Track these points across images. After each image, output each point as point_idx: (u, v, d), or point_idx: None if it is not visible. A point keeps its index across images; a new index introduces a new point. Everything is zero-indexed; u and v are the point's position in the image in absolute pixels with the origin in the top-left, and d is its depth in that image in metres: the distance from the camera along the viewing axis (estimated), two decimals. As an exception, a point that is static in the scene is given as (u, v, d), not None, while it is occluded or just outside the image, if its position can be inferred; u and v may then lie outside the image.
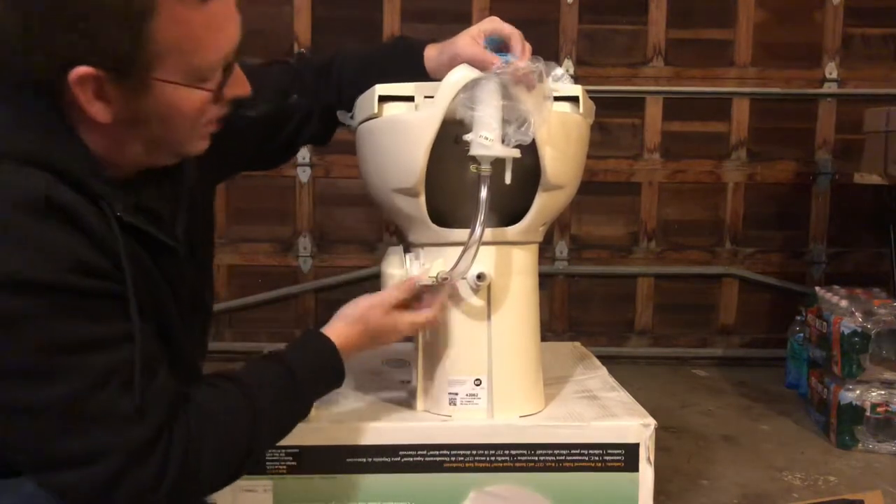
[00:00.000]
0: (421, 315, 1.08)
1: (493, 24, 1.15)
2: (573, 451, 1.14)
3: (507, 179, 1.04)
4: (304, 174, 2.59)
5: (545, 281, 2.59)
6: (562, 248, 2.65)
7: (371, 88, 1.12)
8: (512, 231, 1.16)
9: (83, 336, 0.73)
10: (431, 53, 1.14)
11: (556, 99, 1.11)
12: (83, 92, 0.74)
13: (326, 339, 1.00)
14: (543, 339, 1.26)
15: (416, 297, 1.09)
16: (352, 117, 1.19)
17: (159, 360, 0.81)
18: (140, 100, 0.77)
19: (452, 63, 1.08)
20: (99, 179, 0.77)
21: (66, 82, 0.73)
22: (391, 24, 2.55)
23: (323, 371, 0.99)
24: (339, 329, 1.02)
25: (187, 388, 0.85)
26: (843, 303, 1.95)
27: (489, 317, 1.16)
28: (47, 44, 0.72)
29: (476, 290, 1.14)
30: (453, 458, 1.13)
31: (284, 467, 1.12)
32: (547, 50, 2.56)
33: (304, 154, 2.58)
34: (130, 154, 0.82)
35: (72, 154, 0.76)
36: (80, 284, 0.72)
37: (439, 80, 1.08)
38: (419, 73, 1.14)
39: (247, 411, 0.87)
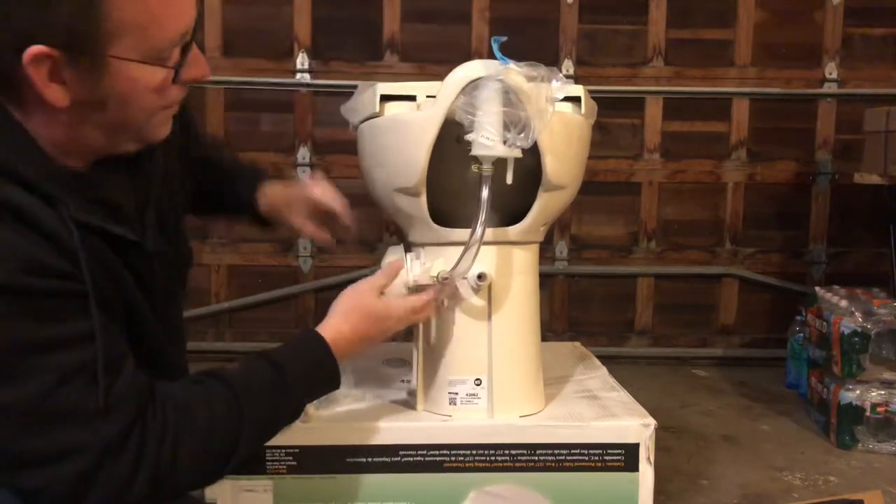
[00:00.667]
0: (414, 299, 1.07)
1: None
2: (573, 451, 1.14)
3: (509, 179, 1.04)
4: (304, 174, 2.59)
5: (545, 281, 2.59)
6: (562, 248, 2.65)
7: (373, 87, 1.12)
8: (513, 231, 1.16)
9: (44, 336, 0.72)
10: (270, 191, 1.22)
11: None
12: (38, 73, 0.73)
13: (320, 339, 0.98)
14: (543, 339, 1.26)
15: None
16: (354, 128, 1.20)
17: (125, 358, 0.80)
18: (97, 80, 0.76)
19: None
20: (51, 180, 0.76)
21: (19, 66, 0.72)
22: (391, 24, 2.55)
23: (315, 372, 0.98)
24: (332, 325, 1.01)
25: (167, 382, 0.84)
26: (843, 303, 1.95)
27: (490, 317, 1.15)
28: (1, 23, 0.71)
29: (477, 290, 1.14)
30: (453, 458, 1.13)
31: (284, 467, 1.12)
32: (547, 50, 2.56)
33: (304, 154, 2.58)
34: (90, 140, 0.81)
35: (21, 155, 0.75)
36: (37, 285, 0.72)
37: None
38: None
39: (232, 409, 0.86)
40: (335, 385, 1.00)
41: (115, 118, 0.80)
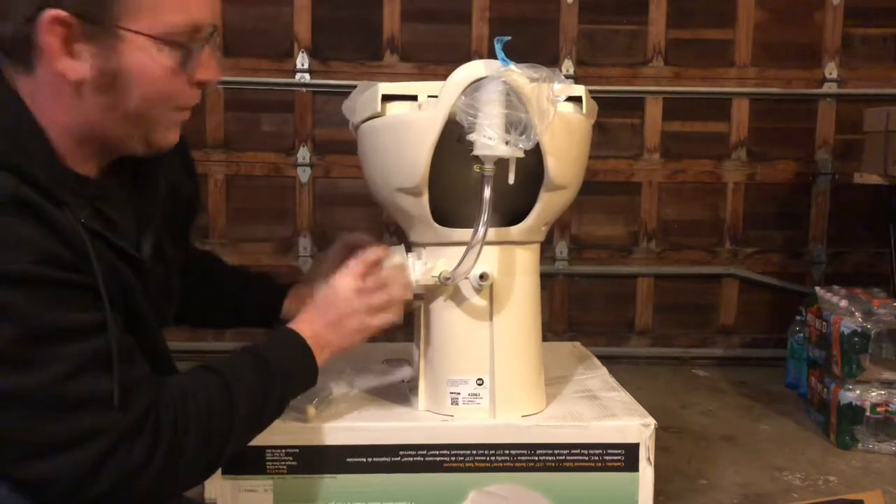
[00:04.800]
0: (375, 297, 1.06)
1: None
2: (573, 451, 1.14)
3: (511, 179, 1.04)
4: (304, 174, 2.59)
5: (545, 281, 2.59)
6: (562, 248, 2.65)
7: (374, 87, 1.12)
8: (515, 231, 1.16)
9: (58, 324, 0.74)
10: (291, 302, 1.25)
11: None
12: (54, 40, 0.75)
13: (297, 336, 1.01)
14: (543, 338, 1.26)
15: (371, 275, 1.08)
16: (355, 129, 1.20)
17: (134, 350, 0.82)
18: (109, 54, 0.78)
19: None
20: (61, 185, 0.78)
21: (34, 32, 0.75)
22: (391, 24, 2.55)
23: (296, 366, 1.00)
24: (303, 322, 1.03)
25: (168, 376, 0.87)
26: (843, 303, 1.95)
27: (491, 317, 1.15)
28: None
29: (479, 290, 1.14)
30: (453, 458, 1.13)
31: (284, 467, 1.12)
32: (547, 50, 2.56)
33: (304, 154, 2.58)
34: (106, 130, 0.83)
35: (34, 158, 0.77)
36: (51, 275, 0.73)
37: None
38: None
39: (226, 400, 0.88)
40: (313, 381, 1.03)
41: (127, 103, 0.82)
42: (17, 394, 0.73)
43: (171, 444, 0.81)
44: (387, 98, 1.12)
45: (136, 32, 0.79)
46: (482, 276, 1.12)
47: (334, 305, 1.04)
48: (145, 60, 0.80)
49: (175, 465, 0.81)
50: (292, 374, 1.00)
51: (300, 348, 1.00)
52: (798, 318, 2.29)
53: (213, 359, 0.95)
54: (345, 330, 1.04)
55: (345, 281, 1.05)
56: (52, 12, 0.75)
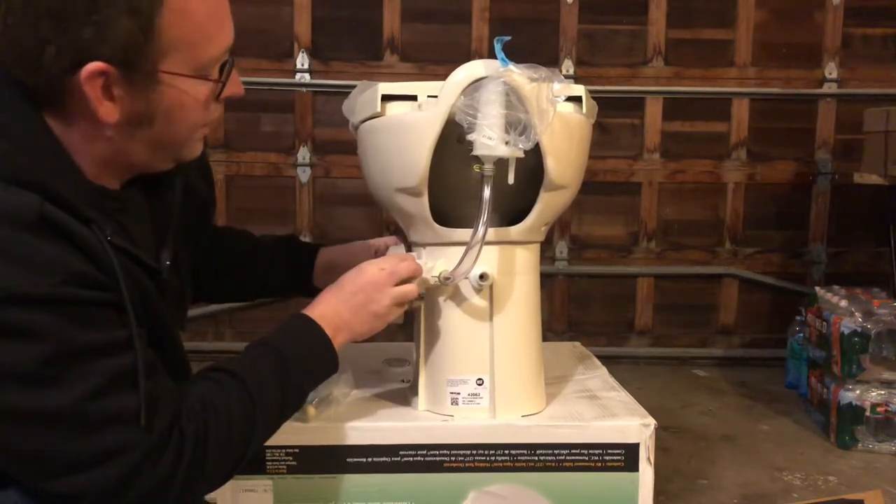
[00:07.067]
0: (403, 288, 1.06)
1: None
2: (573, 451, 1.14)
3: (510, 179, 1.04)
4: (304, 174, 2.59)
5: (545, 281, 2.59)
6: (562, 248, 2.65)
7: (374, 87, 1.12)
8: (514, 231, 1.15)
9: (86, 343, 0.74)
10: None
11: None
12: (93, 89, 0.75)
13: (315, 325, 0.99)
14: (543, 338, 1.26)
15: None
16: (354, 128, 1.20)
17: (157, 364, 0.83)
18: (147, 96, 0.79)
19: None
20: (87, 202, 0.78)
21: (73, 82, 0.74)
22: (391, 23, 2.55)
23: (315, 358, 0.99)
24: (323, 304, 1.01)
25: (185, 384, 0.87)
26: (843, 303, 1.95)
27: (491, 317, 1.15)
28: (61, 39, 0.73)
29: (478, 290, 1.14)
30: (453, 458, 1.13)
31: (284, 467, 1.11)
32: (547, 50, 2.56)
33: (304, 154, 2.58)
34: (133, 156, 0.84)
35: (60, 176, 0.77)
36: (79, 295, 0.73)
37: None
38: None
39: (246, 403, 0.88)
40: (334, 368, 1.02)
41: (160, 134, 0.83)
42: (44, 413, 0.73)
43: (194, 456, 0.81)
44: (386, 98, 1.11)
45: (175, 74, 0.79)
46: (482, 276, 1.12)
47: (362, 289, 1.03)
48: (184, 97, 0.81)
49: (198, 476, 0.82)
50: (311, 366, 0.99)
51: (318, 337, 0.99)
52: (798, 318, 2.29)
53: (228, 358, 0.94)
54: (366, 313, 1.03)
55: (376, 265, 1.05)
56: (92, 66, 0.74)
